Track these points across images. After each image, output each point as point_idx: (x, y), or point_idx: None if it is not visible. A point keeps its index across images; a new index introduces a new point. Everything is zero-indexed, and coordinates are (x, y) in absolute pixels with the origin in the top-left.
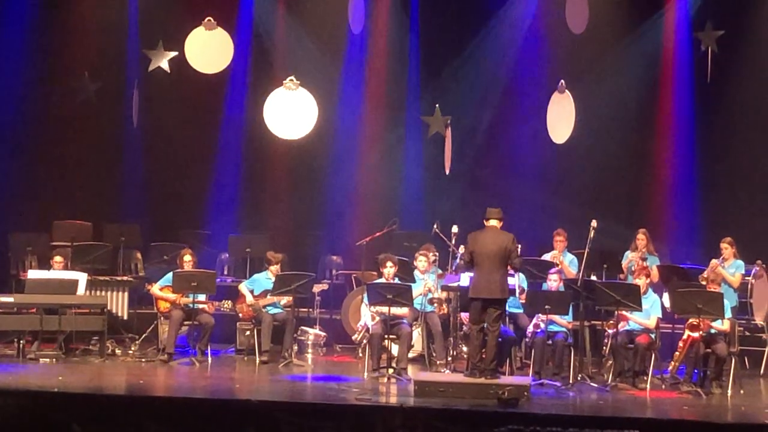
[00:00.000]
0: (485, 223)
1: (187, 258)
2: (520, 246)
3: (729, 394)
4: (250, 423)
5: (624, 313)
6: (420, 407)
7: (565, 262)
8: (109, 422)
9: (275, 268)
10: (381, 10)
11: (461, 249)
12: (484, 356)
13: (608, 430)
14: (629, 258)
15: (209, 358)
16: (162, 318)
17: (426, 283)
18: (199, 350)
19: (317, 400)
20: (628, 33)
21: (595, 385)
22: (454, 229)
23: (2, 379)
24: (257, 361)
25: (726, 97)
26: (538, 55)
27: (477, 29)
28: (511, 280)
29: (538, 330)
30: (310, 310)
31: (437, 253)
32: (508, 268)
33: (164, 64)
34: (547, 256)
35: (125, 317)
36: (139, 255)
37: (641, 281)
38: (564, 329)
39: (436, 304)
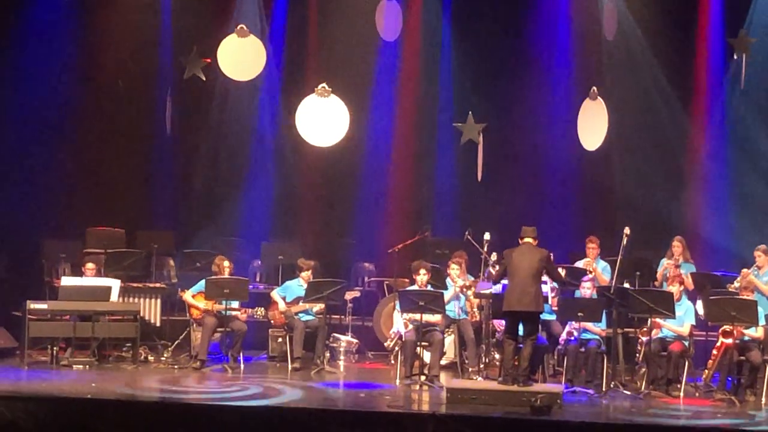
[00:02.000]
0: (520, 241)
1: (226, 264)
2: (552, 254)
3: (763, 402)
4: (281, 430)
5: (657, 320)
6: (452, 415)
7: (598, 269)
8: (142, 429)
9: (307, 275)
10: (413, 17)
11: (493, 256)
12: (516, 363)
13: None
14: (664, 265)
15: (241, 365)
16: (195, 325)
17: (464, 281)
18: (232, 357)
19: (349, 407)
20: (660, 39)
21: (628, 393)
22: (487, 236)
23: (36, 385)
24: (289, 368)
25: (759, 104)
26: (570, 61)
27: (510, 36)
28: (543, 287)
29: (571, 337)
30: (342, 317)
31: (467, 259)
32: (544, 279)
33: (198, 72)
34: (579, 264)
35: (158, 324)
36: (171, 262)
37: (675, 288)
38: (597, 337)
39: (468, 311)
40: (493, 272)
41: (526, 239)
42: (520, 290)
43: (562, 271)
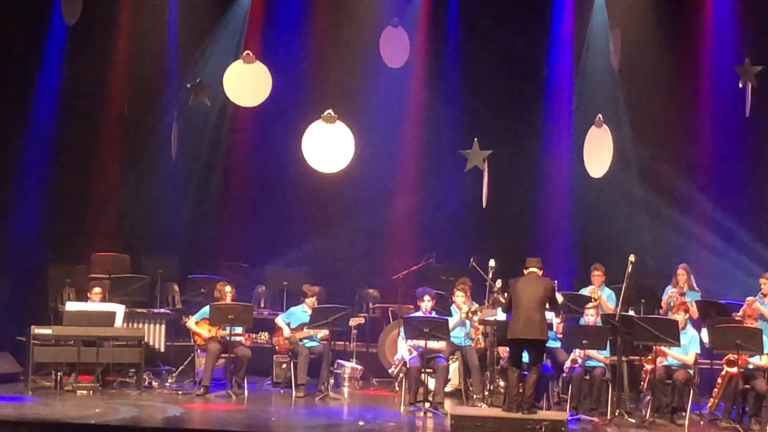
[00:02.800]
0: (525, 271)
1: (228, 289)
2: (557, 281)
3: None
4: None
5: (662, 348)
6: None
7: (603, 297)
8: None
9: (312, 301)
10: (419, 44)
11: (498, 283)
12: (521, 391)
13: None
14: (669, 293)
15: (246, 391)
16: (199, 350)
17: (470, 307)
18: (236, 383)
19: None
20: (665, 67)
21: (633, 421)
22: (491, 263)
23: (40, 410)
24: (293, 395)
25: (765, 133)
26: (575, 88)
27: (516, 63)
28: (547, 314)
29: (576, 365)
30: (347, 343)
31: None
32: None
33: (203, 97)
34: (585, 291)
35: (162, 349)
36: (176, 287)
37: (680, 316)
38: (602, 364)
39: (473, 337)
40: (501, 299)
41: (531, 269)
42: (525, 319)
43: (560, 297)
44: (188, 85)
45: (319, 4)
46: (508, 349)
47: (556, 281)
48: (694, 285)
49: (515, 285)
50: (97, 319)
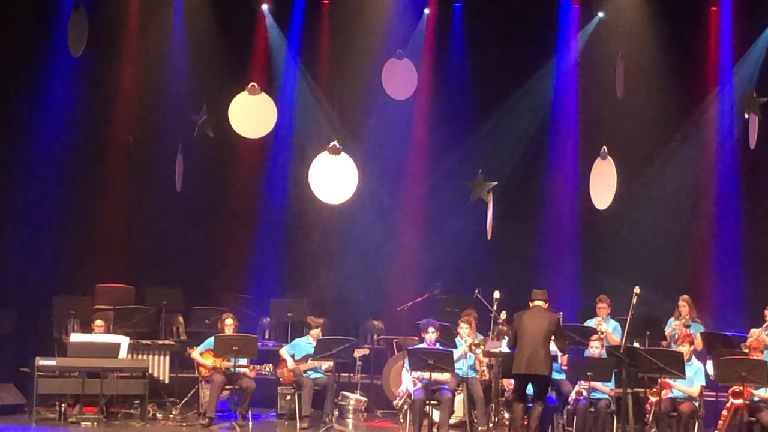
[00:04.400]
0: (530, 304)
1: (229, 321)
2: (562, 313)
3: None
4: None
5: (667, 380)
6: None
7: (608, 330)
8: None
9: (316, 332)
10: (424, 75)
11: (503, 315)
12: (526, 423)
13: None
14: (672, 325)
15: (250, 423)
16: (203, 382)
17: (472, 340)
18: (240, 415)
19: None
20: (669, 98)
21: None
22: (496, 294)
23: None
24: (298, 426)
25: None
26: (580, 120)
27: (521, 94)
28: (551, 346)
29: (581, 397)
30: (351, 375)
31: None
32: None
33: (207, 129)
34: (590, 322)
35: (167, 381)
36: (181, 319)
37: (685, 349)
38: (607, 396)
39: (477, 369)
40: (504, 330)
41: (537, 302)
42: (530, 353)
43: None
44: (193, 117)
45: (324, 35)
46: (512, 381)
47: (561, 313)
48: (696, 317)
49: (520, 318)
50: (101, 351)
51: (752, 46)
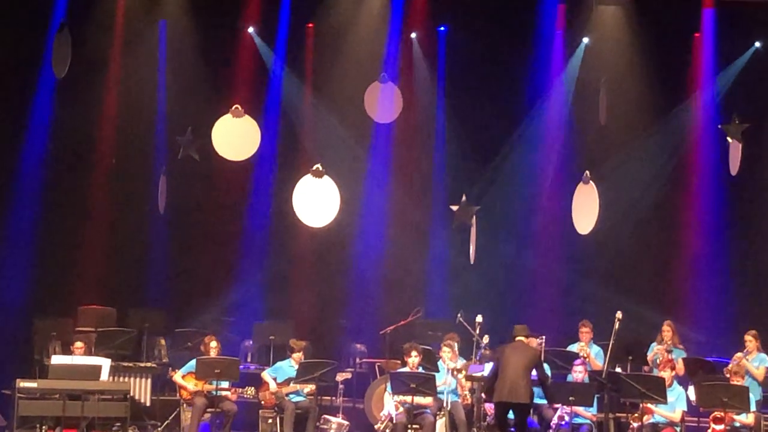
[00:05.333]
0: (513, 339)
1: (213, 344)
2: (545, 337)
3: None
4: None
5: (649, 405)
6: None
7: (591, 354)
8: None
9: (298, 355)
10: (407, 99)
11: (485, 338)
12: None
13: None
14: (655, 350)
15: None
16: (185, 405)
17: (454, 365)
18: None
19: None
20: (652, 124)
21: None
22: (479, 318)
23: None
24: None
25: (751, 191)
26: (563, 145)
27: (505, 118)
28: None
29: (563, 422)
30: (333, 398)
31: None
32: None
33: (192, 151)
34: (573, 347)
35: (148, 404)
36: (162, 341)
37: (667, 374)
38: (588, 421)
39: (459, 394)
40: (486, 353)
41: (519, 337)
42: (511, 383)
43: (548, 370)
44: (177, 138)
45: (308, 58)
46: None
47: (544, 337)
48: (679, 342)
49: (502, 351)
50: (82, 373)
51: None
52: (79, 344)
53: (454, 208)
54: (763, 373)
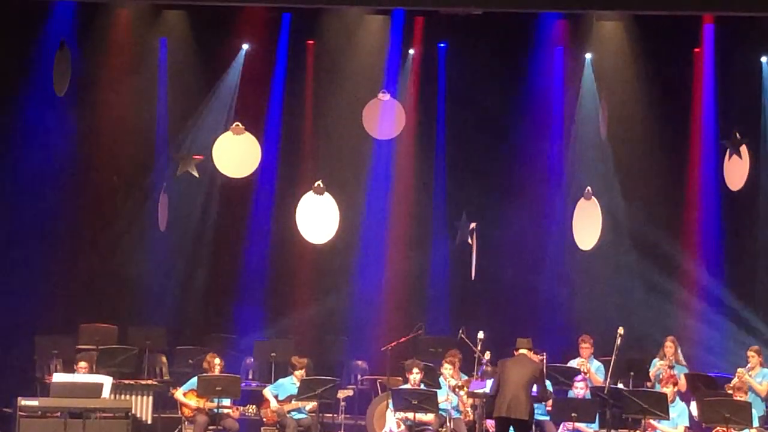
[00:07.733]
0: (515, 352)
1: (217, 361)
2: (545, 353)
3: None
4: None
5: (651, 421)
6: None
7: (591, 370)
8: None
9: (300, 373)
10: (408, 116)
11: (487, 355)
12: None
13: None
14: (657, 366)
15: None
16: (186, 422)
17: (457, 381)
18: None
19: None
20: (652, 139)
21: None
22: (480, 335)
23: None
24: None
25: (753, 208)
26: (565, 160)
27: (506, 135)
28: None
29: None
30: (335, 415)
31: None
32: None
33: (192, 169)
34: (573, 363)
35: (149, 422)
36: (164, 359)
37: (669, 390)
38: None
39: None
40: (488, 370)
41: (522, 350)
42: (512, 398)
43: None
44: (176, 155)
45: (308, 75)
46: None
47: (545, 353)
48: (681, 358)
49: (504, 365)
50: (83, 391)
51: None
52: (83, 364)
53: (456, 224)
54: (765, 388)
